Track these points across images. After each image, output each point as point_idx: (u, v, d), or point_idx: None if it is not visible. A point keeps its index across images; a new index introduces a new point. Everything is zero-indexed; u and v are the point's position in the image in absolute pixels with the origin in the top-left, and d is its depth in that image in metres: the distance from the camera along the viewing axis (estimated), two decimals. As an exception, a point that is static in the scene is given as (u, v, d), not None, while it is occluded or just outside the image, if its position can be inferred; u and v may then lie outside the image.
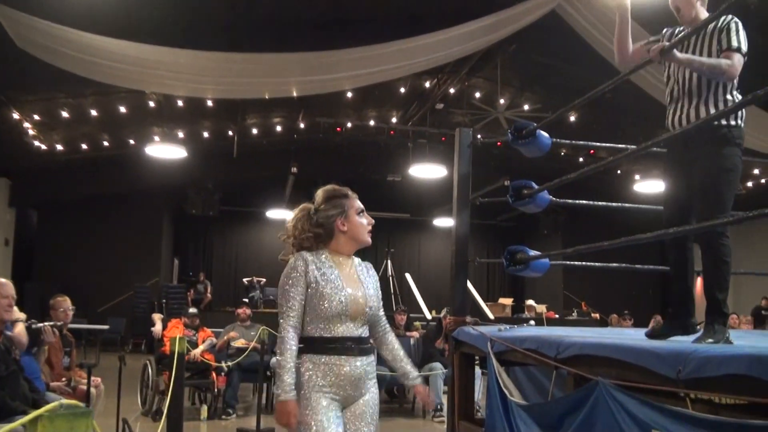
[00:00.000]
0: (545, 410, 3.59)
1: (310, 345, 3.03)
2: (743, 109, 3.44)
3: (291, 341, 2.97)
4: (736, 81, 3.47)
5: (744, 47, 3.37)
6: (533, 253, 4.49)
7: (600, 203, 5.04)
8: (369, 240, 3.33)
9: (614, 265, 4.78)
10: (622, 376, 2.94)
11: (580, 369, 3.27)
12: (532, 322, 14.36)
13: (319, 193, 3.31)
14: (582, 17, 9.54)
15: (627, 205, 5.28)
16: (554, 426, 3.41)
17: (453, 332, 5.04)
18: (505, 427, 3.91)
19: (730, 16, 3.45)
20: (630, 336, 4.00)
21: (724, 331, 3.38)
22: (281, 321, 3.00)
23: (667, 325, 3.75)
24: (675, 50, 3.38)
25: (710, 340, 3.30)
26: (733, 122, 3.44)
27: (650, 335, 3.72)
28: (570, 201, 4.87)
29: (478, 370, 5.47)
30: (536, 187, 4.45)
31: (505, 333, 4.29)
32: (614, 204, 5.08)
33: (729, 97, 3.48)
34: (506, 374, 4.16)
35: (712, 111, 3.44)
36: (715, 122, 3.38)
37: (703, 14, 3.58)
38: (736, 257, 3.64)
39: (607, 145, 5.08)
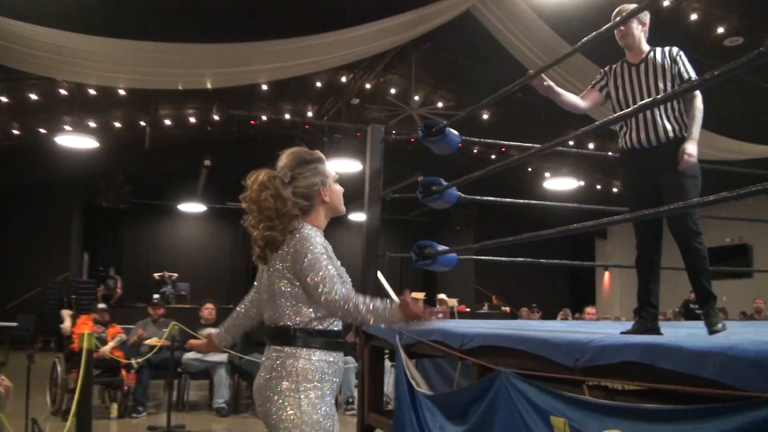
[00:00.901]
0: (450, 400, 3.68)
1: (323, 339, 2.69)
2: None
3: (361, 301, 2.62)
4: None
5: (694, 74, 3.72)
6: (441, 248, 4.58)
7: (507, 200, 5.17)
8: (343, 210, 3.03)
9: (520, 259, 4.92)
10: (523, 366, 3.05)
11: (483, 359, 3.37)
12: (440, 315, 14.56)
13: (288, 158, 2.88)
14: (495, 18, 9.73)
15: (532, 201, 5.44)
16: (459, 415, 3.50)
17: (363, 326, 5.10)
18: (413, 418, 3.99)
19: (677, 48, 3.79)
20: (534, 327, 4.13)
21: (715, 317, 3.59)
22: (335, 297, 2.60)
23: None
24: (690, 148, 3.58)
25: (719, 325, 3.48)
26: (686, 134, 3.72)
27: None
28: (477, 197, 4.97)
29: (388, 363, 5.55)
30: (445, 183, 4.54)
31: (413, 326, 4.35)
32: (520, 201, 5.22)
33: (680, 116, 3.75)
34: (414, 366, 4.24)
35: (669, 128, 3.70)
36: (678, 137, 3.68)
37: (645, 44, 3.87)
38: (670, 254, 3.86)
39: (515, 143, 5.22)
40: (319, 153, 2.96)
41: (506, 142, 5.42)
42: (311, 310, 2.68)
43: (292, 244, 2.67)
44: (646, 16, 3.85)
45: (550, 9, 9.39)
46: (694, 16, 9.61)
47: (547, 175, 17.54)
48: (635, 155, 3.82)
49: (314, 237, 2.69)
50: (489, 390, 3.18)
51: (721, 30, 9.92)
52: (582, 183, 17.69)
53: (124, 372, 8.42)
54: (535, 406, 2.84)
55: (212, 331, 3.17)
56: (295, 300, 2.68)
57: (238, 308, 3.09)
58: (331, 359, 2.69)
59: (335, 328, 2.74)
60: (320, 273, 2.60)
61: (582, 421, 2.56)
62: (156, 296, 14.60)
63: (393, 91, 14.24)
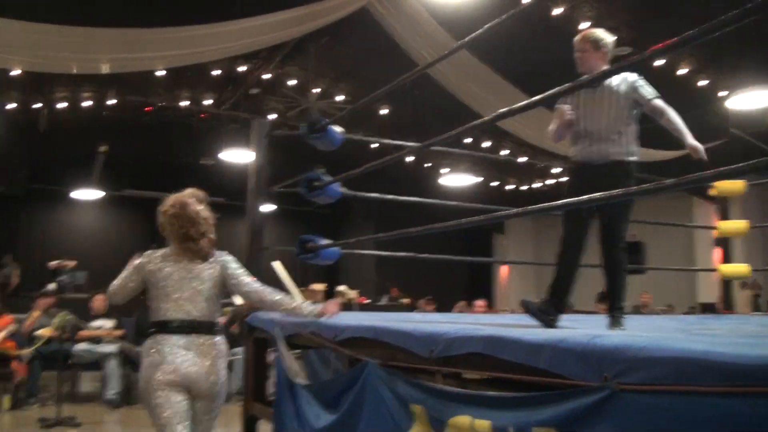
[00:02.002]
0: (324, 389, 3.83)
1: None
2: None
3: None
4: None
5: (656, 92, 3.99)
6: (323, 242, 4.70)
7: (388, 196, 5.32)
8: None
9: (410, 254, 5.08)
10: (388, 357, 3.21)
11: (354, 350, 3.52)
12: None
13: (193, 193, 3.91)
14: (391, 17, 9.91)
15: (414, 198, 5.60)
16: (332, 404, 3.65)
17: (246, 317, 5.19)
18: (292, 406, 4.11)
19: (635, 75, 4.01)
20: (405, 320, 4.30)
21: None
22: None
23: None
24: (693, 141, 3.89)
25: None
26: (632, 158, 4.01)
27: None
28: (360, 194, 5.13)
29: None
30: (326, 179, 4.66)
31: (294, 318, 4.47)
32: (402, 198, 5.39)
33: (633, 139, 4.03)
34: (294, 357, 4.36)
35: (619, 151, 3.97)
36: (623, 159, 3.96)
37: (602, 66, 4.00)
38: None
39: (395, 142, 5.38)
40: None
41: (387, 141, 5.60)
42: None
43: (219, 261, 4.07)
44: (604, 46, 4.02)
45: (445, 10, 9.62)
46: (584, 25, 9.94)
47: (443, 171, 17.89)
48: (583, 168, 4.05)
49: None
50: (357, 380, 3.33)
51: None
52: (480, 179, 18.15)
53: (15, 363, 8.25)
54: (396, 395, 3.01)
55: None
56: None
57: None
58: None
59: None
60: (245, 278, 4.06)
61: (437, 408, 2.74)
62: (51, 285, 14.17)
63: (292, 83, 14.22)
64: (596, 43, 4.00)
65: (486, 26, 3.61)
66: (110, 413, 8.25)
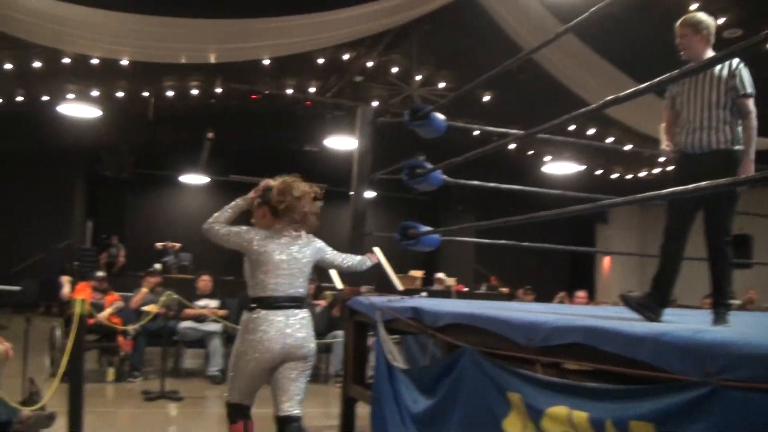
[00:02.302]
0: (422, 374, 3.86)
1: None
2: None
3: None
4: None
5: (751, 89, 3.76)
6: (424, 228, 4.73)
7: (491, 184, 5.30)
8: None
9: (511, 242, 5.07)
10: (486, 344, 3.21)
11: (451, 337, 3.54)
12: (424, 294, 14.72)
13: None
14: (495, 1, 9.82)
15: (515, 187, 5.55)
16: (430, 389, 3.68)
17: (348, 301, 5.28)
18: (390, 390, 4.16)
19: (737, 61, 3.80)
20: (505, 308, 4.29)
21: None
22: None
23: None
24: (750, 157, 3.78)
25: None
26: (738, 147, 3.81)
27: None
28: (462, 181, 5.13)
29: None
30: (429, 166, 4.68)
31: (393, 303, 4.53)
32: (505, 186, 5.36)
33: (731, 128, 3.82)
34: (393, 342, 4.42)
35: (722, 139, 3.79)
36: (727, 148, 3.79)
37: (708, 53, 3.87)
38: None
39: (500, 129, 5.35)
40: None
41: (492, 128, 5.57)
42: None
43: (312, 242, 4.26)
44: (705, 29, 3.87)
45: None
46: (694, 6, 9.66)
47: (547, 159, 17.62)
48: (687, 158, 3.93)
49: None
50: (455, 366, 3.35)
51: (720, 21, 9.96)
52: (583, 168, 17.80)
53: (121, 338, 8.60)
54: (494, 382, 3.01)
55: None
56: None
57: None
58: None
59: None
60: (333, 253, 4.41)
61: (534, 397, 2.73)
62: (157, 265, 14.74)
63: (395, 70, 14.28)
64: (696, 26, 3.84)
65: (592, 9, 3.53)
66: (212, 389, 8.48)
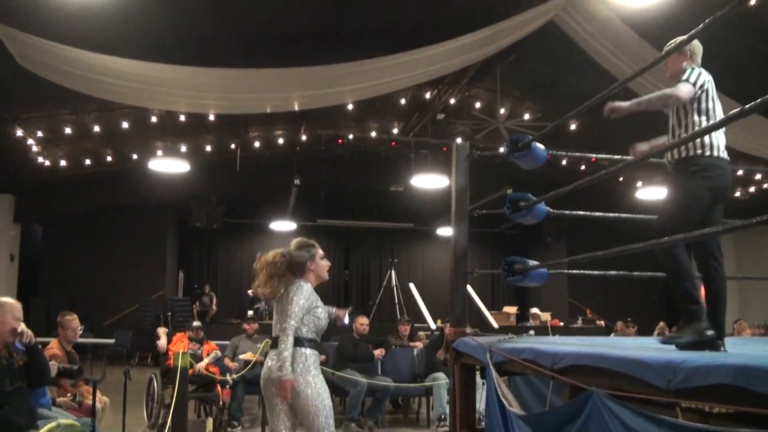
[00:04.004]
0: (542, 420, 3.63)
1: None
2: (718, 140, 3.83)
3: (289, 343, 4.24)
4: (708, 116, 3.84)
5: (692, 79, 3.77)
6: (531, 263, 4.54)
7: (596, 213, 5.09)
8: (327, 277, 4.72)
9: (612, 272, 4.82)
10: (615, 386, 2.99)
11: (575, 379, 3.32)
12: (532, 332, 14.38)
13: (293, 243, 4.66)
14: (580, 27, 9.59)
15: (622, 215, 5.31)
16: (552, 436, 3.46)
17: (453, 343, 5.10)
18: (505, 437, 3.95)
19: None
20: (627, 345, 4.05)
21: (695, 327, 3.64)
22: (287, 325, 4.26)
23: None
24: (617, 102, 3.87)
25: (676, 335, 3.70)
26: (699, 152, 3.79)
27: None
28: (567, 212, 4.93)
29: (479, 380, 5.52)
30: (533, 198, 4.51)
31: (504, 344, 4.34)
32: (610, 215, 5.13)
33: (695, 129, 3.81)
34: (505, 384, 4.21)
35: (681, 148, 3.83)
36: (683, 155, 3.83)
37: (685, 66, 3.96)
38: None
39: (604, 156, 5.13)
40: (312, 242, 4.69)
41: (594, 155, 5.35)
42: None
43: (291, 289, 4.41)
44: (688, 49, 3.98)
45: (635, 13, 9.20)
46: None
47: (638, 184, 17.14)
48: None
49: (305, 287, 4.43)
50: (582, 411, 3.12)
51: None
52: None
53: (219, 387, 8.61)
54: (628, 429, 2.77)
55: None
56: None
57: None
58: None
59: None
60: (290, 306, 4.31)
61: (677, 444, 2.50)
62: (250, 312, 14.89)
63: (478, 104, 14.18)
64: (678, 47, 3.85)
65: (691, 33, 3.37)
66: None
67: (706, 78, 3.86)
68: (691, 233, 3.36)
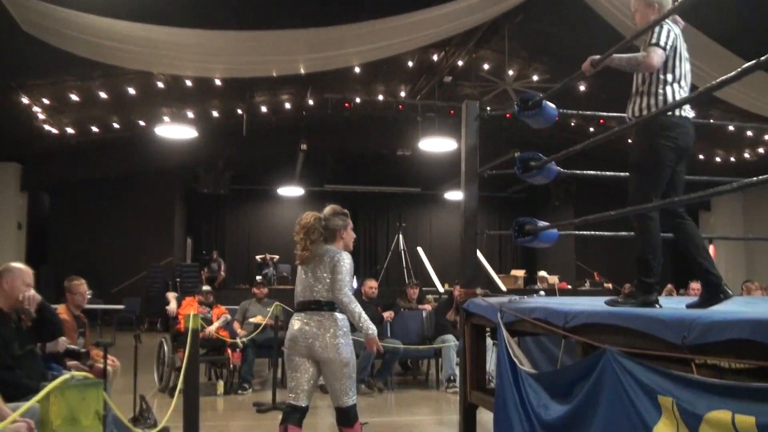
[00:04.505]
0: (554, 378, 3.63)
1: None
2: (681, 98, 3.81)
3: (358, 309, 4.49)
4: (674, 74, 3.79)
5: (662, 41, 3.67)
6: (542, 223, 4.50)
7: (607, 173, 5.02)
8: (352, 248, 4.89)
9: (623, 233, 4.79)
10: (628, 344, 2.97)
11: (587, 337, 3.30)
12: (542, 293, 14.39)
13: (327, 210, 4.79)
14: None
15: (624, 174, 5.26)
16: (564, 393, 3.44)
17: (463, 304, 5.09)
18: (515, 395, 3.95)
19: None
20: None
21: (641, 298, 3.75)
22: (343, 294, 4.47)
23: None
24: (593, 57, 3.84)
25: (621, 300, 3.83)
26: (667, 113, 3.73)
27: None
28: (578, 172, 4.88)
29: (489, 341, 5.52)
30: (544, 158, 4.46)
31: (515, 304, 4.32)
32: (622, 174, 5.07)
33: (661, 91, 3.78)
34: (516, 344, 4.20)
35: (644, 105, 3.83)
36: (644, 113, 3.81)
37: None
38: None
39: (615, 114, 5.06)
40: (346, 210, 4.86)
41: (605, 114, 5.29)
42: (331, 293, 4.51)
43: (331, 256, 4.56)
44: (656, 2, 3.88)
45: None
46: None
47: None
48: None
49: (346, 257, 4.59)
50: (594, 368, 3.11)
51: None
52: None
53: (229, 351, 8.64)
54: (642, 385, 2.76)
55: None
56: (327, 287, 4.53)
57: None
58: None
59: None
60: (340, 276, 4.48)
61: (690, 401, 2.47)
62: (259, 277, 14.94)
63: (486, 66, 14.06)
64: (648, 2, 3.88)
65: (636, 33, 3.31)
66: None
67: (675, 33, 3.78)
68: (671, 199, 3.41)
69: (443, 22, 10.20)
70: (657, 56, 3.65)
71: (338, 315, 4.50)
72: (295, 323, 4.53)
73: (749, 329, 2.33)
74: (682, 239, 3.87)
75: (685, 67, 3.84)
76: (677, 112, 3.73)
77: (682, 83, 3.81)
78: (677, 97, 3.76)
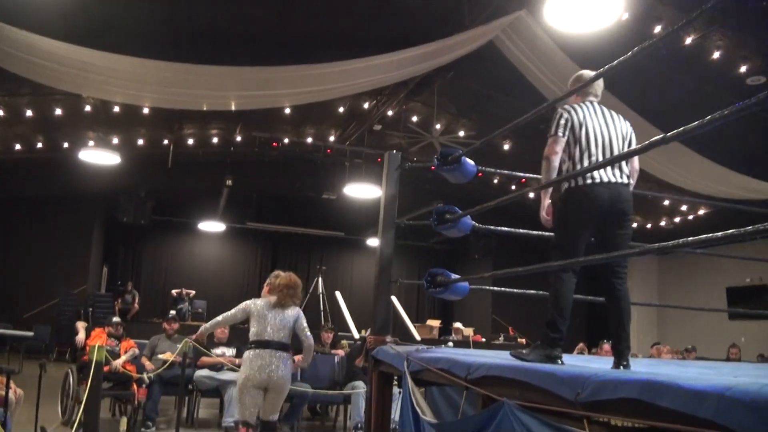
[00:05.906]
0: (454, 429, 3.68)
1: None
2: (587, 166, 3.93)
3: None
4: (580, 148, 3.95)
5: (553, 129, 3.96)
6: (454, 276, 4.59)
7: (520, 230, 5.16)
8: None
9: (531, 291, 4.91)
10: (526, 398, 3.04)
11: (488, 389, 3.37)
12: (451, 344, 14.51)
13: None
14: (517, 49, 9.77)
15: (546, 233, 5.41)
16: (463, 445, 3.50)
17: (373, 351, 5.12)
18: (418, 445, 3.98)
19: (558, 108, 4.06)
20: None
21: (545, 352, 3.83)
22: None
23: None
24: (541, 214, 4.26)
25: (525, 352, 3.87)
26: (568, 183, 3.94)
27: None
28: (491, 227, 5.00)
29: (396, 389, 5.55)
30: (459, 212, 4.56)
31: (422, 353, 4.37)
32: (534, 232, 5.22)
33: (566, 166, 4.02)
34: (420, 393, 4.24)
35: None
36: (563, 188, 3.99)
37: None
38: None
39: (534, 176, 5.22)
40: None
41: (523, 174, 5.44)
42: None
43: (297, 312, 6.38)
44: (576, 80, 4.20)
45: (572, 41, 9.41)
46: (716, 55, 9.61)
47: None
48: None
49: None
50: (492, 420, 3.17)
51: (743, 69, 9.91)
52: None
53: (135, 386, 8.44)
54: (537, 439, 2.83)
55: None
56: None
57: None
58: None
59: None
60: (306, 326, 6.43)
61: (582, 456, 2.56)
62: (172, 312, 14.65)
63: (415, 118, 14.30)
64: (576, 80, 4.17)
65: (617, 60, 3.43)
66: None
67: (571, 113, 3.98)
68: (576, 260, 3.65)
69: (376, 73, 10.35)
70: (550, 148, 3.96)
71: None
72: (269, 359, 5.97)
73: (638, 389, 2.43)
74: (619, 303, 4.00)
75: (598, 139, 3.95)
76: (580, 182, 3.87)
77: (593, 152, 3.93)
78: (579, 167, 3.92)
